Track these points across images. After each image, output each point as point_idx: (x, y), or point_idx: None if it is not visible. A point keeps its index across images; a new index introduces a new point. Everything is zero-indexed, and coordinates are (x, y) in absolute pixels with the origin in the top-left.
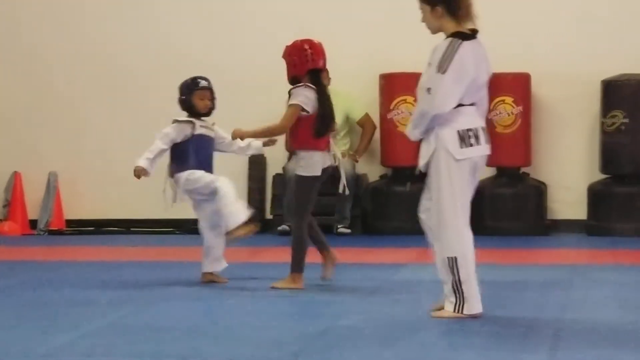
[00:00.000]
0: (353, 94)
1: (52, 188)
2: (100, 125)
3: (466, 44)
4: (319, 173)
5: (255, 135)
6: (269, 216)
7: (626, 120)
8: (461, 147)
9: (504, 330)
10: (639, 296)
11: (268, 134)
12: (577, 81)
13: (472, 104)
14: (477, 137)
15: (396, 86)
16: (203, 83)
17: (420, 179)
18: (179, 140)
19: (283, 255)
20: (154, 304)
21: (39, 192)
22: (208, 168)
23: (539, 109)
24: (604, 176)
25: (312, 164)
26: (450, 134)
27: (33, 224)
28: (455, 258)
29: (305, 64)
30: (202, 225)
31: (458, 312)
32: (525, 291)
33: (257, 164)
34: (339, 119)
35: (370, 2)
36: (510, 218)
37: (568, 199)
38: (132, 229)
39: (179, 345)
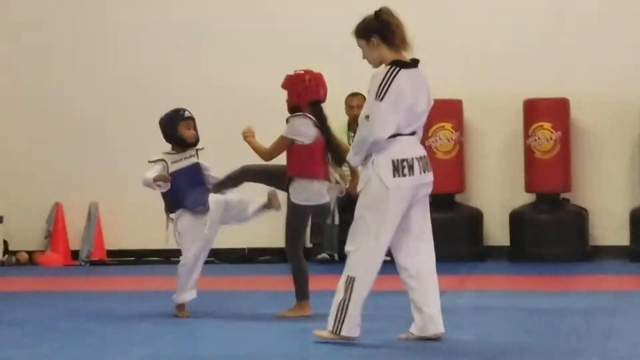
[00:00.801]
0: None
1: (93, 218)
2: (140, 155)
3: (404, 72)
4: (313, 203)
5: (251, 144)
6: (308, 244)
7: None
8: (394, 177)
9: (546, 359)
10: None
11: (256, 152)
12: (616, 105)
13: (412, 133)
14: (411, 168)
15: None
16: (187, 113)
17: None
18: None
19: (323, 283)
20: (193, 333)
21: (80, 223)
22: (198, 202)
23: (578, 134)
24: None
25: (308, 192)
26: (384, 162)
27: (75, 254)
28: (354, 279)
29: (308, 95)
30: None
31: (336, 332)
32: (567, 318)
33: None
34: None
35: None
36: (551, 244)
37: (610, 225)
38: (172, 259)
39: None
